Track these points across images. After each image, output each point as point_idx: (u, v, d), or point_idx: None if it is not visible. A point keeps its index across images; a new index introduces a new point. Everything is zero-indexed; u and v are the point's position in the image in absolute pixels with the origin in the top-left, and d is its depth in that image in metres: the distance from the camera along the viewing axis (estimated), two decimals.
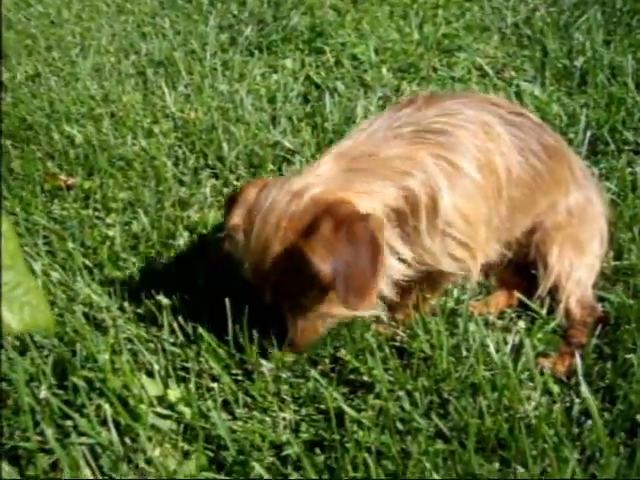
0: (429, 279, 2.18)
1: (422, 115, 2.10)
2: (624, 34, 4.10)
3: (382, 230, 1.90)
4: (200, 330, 2.06)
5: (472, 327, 2.11)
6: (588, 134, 3.05)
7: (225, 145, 3.02)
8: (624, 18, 4.34)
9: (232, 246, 2.01)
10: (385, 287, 2.01)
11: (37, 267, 2.39)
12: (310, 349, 2.08)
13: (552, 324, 2.21)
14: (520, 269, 2.40)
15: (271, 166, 2.91)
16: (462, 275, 2.21)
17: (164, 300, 2.14)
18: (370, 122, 2.15)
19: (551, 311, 2.27)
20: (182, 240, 2.53)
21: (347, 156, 2.01)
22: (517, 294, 2.31)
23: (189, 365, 2.04)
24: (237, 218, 1.98)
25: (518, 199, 2.20)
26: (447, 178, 2.00)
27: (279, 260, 1.87)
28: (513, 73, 3.78)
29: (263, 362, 2.03)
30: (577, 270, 2.31)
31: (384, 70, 3.75)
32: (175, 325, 2.11)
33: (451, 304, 2.22)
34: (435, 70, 3.83)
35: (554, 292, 2.30)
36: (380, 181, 1.95)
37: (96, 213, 2.75)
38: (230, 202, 2.06)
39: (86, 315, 2.23)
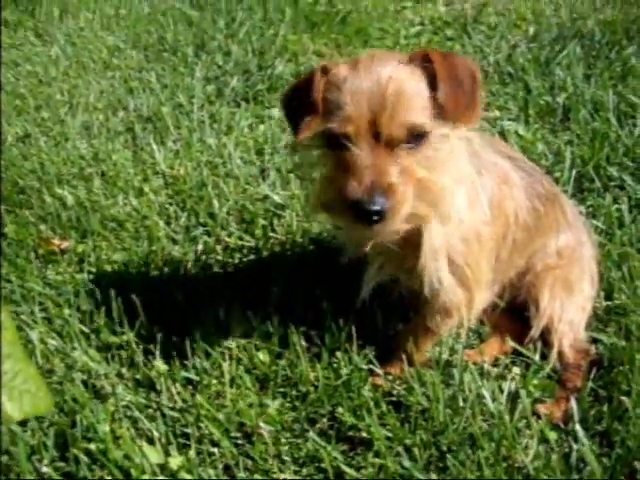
0: (423, 328, 2.21)
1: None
2: (604, 67, 4.16)
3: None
4: (198, 396, 2.08)
5: (467, 377, 2.13)
6: (573, 172, 3.09)
7: (215, 202, 3.04)
8: (603, 51, 4.40)
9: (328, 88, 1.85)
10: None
11: (34, 335, 2.41)
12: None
13: (547, 369, 2.23)
14: (513, 313, 2.43)
15: (262, 221, 2.94)
16: (454, 318, 2.23)
17: (161, 366, 2.16)
18: None
19: (545, 355, 2.29)
20: (177, 301, 2.55)
21: None
22: (511, 342, 2.33)
23: (189, 431, 2.05)
24: (329, 64, 1.89)
25: (519, 241, 2.25)
26: (468, 195, 2.02)
27: (402, 76, 1.80)
28: (497, 112, 3.82)
29: (262, 424, 2.04)
30: (568, 311, 2.34)
31: None
32: (173, 390, 2.13)
33: (445, 355, 2.23)
34: None
35: (547, 334, 2.33)
36: None
37: (90, 276, 2.77)
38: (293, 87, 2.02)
39: (85, 383, 2.26)
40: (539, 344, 2.31)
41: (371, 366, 2.21)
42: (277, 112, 3.94)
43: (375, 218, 1.73)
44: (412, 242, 1.98)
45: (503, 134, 3.52)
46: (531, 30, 4.94)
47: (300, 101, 1.89)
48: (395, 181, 1.75)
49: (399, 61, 1.82)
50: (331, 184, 1.83)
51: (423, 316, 2.21)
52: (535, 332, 2.33)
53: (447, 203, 1.88)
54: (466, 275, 2.10)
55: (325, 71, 1.86)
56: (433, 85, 1.78)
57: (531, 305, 2.37)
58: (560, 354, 2.29)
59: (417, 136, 1.78)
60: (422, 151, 1.79)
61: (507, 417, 1.99)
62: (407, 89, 1.78)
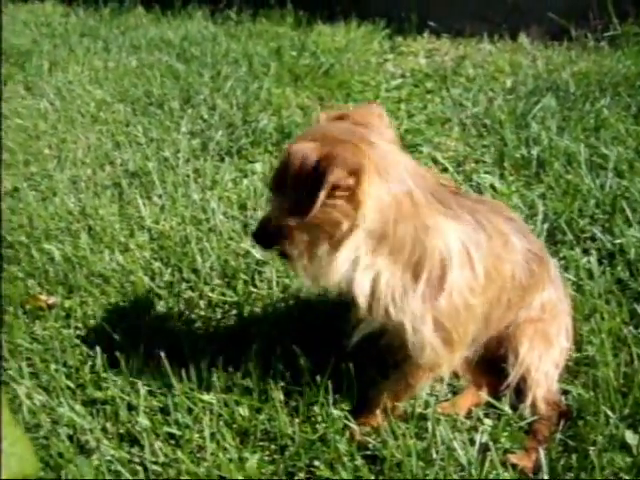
0: (403, 383, 2.30)
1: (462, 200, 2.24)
2: (577, 119, 4.28)
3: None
4: (179, 453, 2.15)
5: (440, 430, 2.21)
6: (546, 225, 3.19)
7: (199, 257, 3.13)
8: (577, 103, 4.53)
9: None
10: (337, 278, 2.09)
11: (21, 391, 2.48)
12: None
13: (519, 422, 2.30)
14: (488, 365, 2.51)
15: (244, 276, 3.02)
16: (434, 373, 2.32)
17: (144, 422, 2.23)
18: None
19: (516, 407, 2.37)
20: (162, 355, 2.62)
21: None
22: (484, 395, 2.41)
23: None
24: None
25: (513, 300, 2.36)
26: (461, 266, 2.13)
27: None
28: (473, 165, 3.94)
29: (240, 478, 2.11)
30: (545, 363, 2.43)
31: None
32: (156, 445, 2.20)
33: (420, 409, 2.31)
34: None
35: (522, 383, 2.41)
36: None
37: (77, 332, 2.84)
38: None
39: (70, 437, 2.32)
40: (512, 396, 2.39)
41: (346, 422, 2.28)
42: (260, 166, 4.05)
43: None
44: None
45: (479, 187, 3.63)
46: (508, 82, 5.07)
47: None
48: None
49: None
50: None
51: (403, 371, 2.30)
52: (513, 380, 2.41)
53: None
54: (452, 338, 2.20)
55: None
56: None
57: (510, 354, 2.45)
58: (533, 404, 2.37)
59: None
60: None
61: (478, 469, 2.07)
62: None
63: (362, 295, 2.07)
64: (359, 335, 2.26)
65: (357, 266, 2.04)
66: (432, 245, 2.07)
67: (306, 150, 1.93)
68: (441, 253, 2.09)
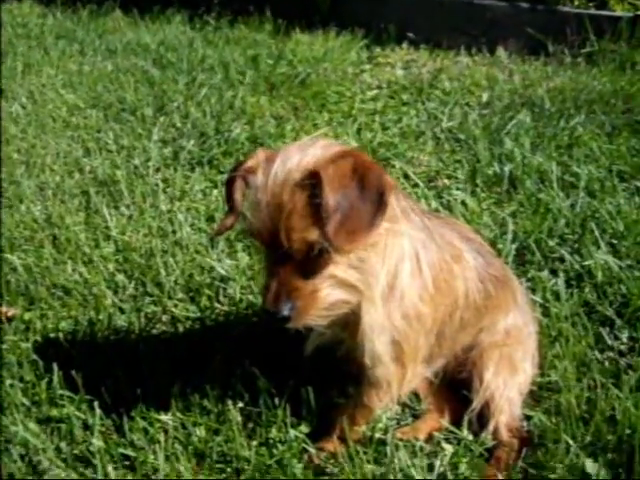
0: (359, 404, 2.27)
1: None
2: (551, 137, 4.28)
3: (392, 191, 1.95)
4: (130, 476, 2.11)
5: (399, 455, 2.18)
6: (515, 245, 3.17)
7: (163, 271, 3.09)
8: (552, 119, 4.53)
9: (246, 190, 2.02)
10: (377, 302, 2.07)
11: None
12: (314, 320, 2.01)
13: (479, 449, 2.28)
14: (450, 389, 2.48)
15: (208, 291, 2.98)
16: (388, 394, 2.29)
17: (98, 443, 2.18)
18: None
19: (476, 433, 2.34)
20: (120, 372, 2.58)
21: None
22: (444, 422, 2.38)
23: None
24: (253, 161, 2.00)
25: (467, 320, 2.34)
26: (412, 273, 2.12)
27: (296, 190, 1.88)
28: (446, 181, 3.92)
29: None
30: (510, 389, 2.40)
31: None
32: (109, 468, 2.16)
33: (379, 434, 2.27)
34: None
35: (485, 408, 2.38)
36: None
37: (35, 345, 2.78)
38: (235, 168, 2.09)
39: (22, 457, 2.27)
40: (474, 421, 2.36)
41: (304, 445, 2.24)
42: None
43: (284, 321, 1.92)
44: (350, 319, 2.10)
45: (449, 205, 3.60)
46: (484, 97, 5.06)
47: (227, 194, 2.05)
48: (300, 286, 1.89)
49: (305, 168, 1.90)
50: (262, 276, 1.94)
51: (359, 392, 2.27)
52: (477, 405, 2.38)
53: (372, 289, 2.00)
54: (402, 350, 2.18)
55: (249, 170, 1.99)
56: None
57: (475, 378, 2.43)
58: (495, 431, 2.35)
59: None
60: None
61: None
62: (303, 205, 1.87)
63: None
64: (313, 344, 2.25)
65: None
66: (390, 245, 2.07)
67: (336, 172, 1.87)
68: (395, 256, 2.09)
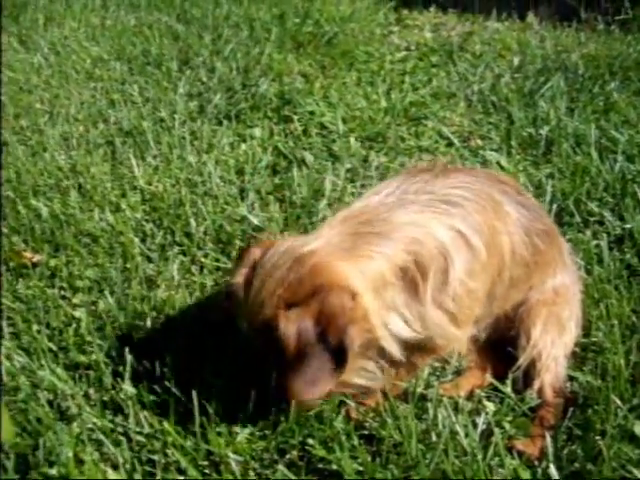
0: (406, 362, 2.18)
1: (437, 185, 2.14)
2: (587, 101, 4.18)
3: (359, 327, 1.91)
4: (165, 423, 2.04)
5: (441, 412, 2.10)
6: (554, 206, 3.08)
7: (193, 221, 3.01)
8: (586, 85, 4.42)
9: (233, 303, 2.06)
10: (392, 346, 2.03)
11: (2, 355, 2.36)
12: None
13: (523, 408, 2.20)
14: (494, 347, 2.41)
15: (239, 243, 2.90)
16: (446, 353, 2.23)
17: (130, 389, 2.11)
18: (384, 185, 2.19)
19: (518, 392, 2.27)
20: (149, 321, 2.51)
21: (356, 219, 2.05)
22: (489, 377, 2.31)
23: (155, 458, 2.00)
24: (240, 277, 2.03)
25: (517, 277, 2.26)
26: (457, 250, 2.04)
27: (266, 325, 1.89)
28: (479, 142, 3.82)
29: (230, 454, 2.00)
30: (557, 348, 2.33)
31: (352, 140, 3.77)
32: (141, 415, 2.09)
33: (420, 389, 2.20)
34: (403, 139, 3.85)
35: (531, 367, 2.31)
36: (391, 242, 1.98)
37: (62, 292, 2.71)
38: (239, 258, 2.13)
39: (50, 403, 2.20)
40: (518, 380, 2.29)
41: (344, 399, 2.17)
42: (259, 131, 3.92)
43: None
44: None
45: (485, 164, 3.51)
46: (516, 61, 4.94)
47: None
48: None
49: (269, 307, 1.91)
50: None
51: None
52: (523, 362, 2.31)
53: None
54: (457, 318, 2.11)
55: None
56: None
57: (522, 335, 2.35)
58: (540, 390, 2.27)
59: None
60: None
61: (480, 454, 1.96)
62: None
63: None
64: None
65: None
66: (428, 249, 2.01)
67: (296, 321, 1.86)
68: (438, 249, 2.02)
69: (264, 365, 1.99)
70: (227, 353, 2.29)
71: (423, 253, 1.99)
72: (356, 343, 1.90)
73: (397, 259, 1.98)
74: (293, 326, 1.85)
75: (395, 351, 2.04)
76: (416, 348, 2.12)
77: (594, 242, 2.88)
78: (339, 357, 1.87)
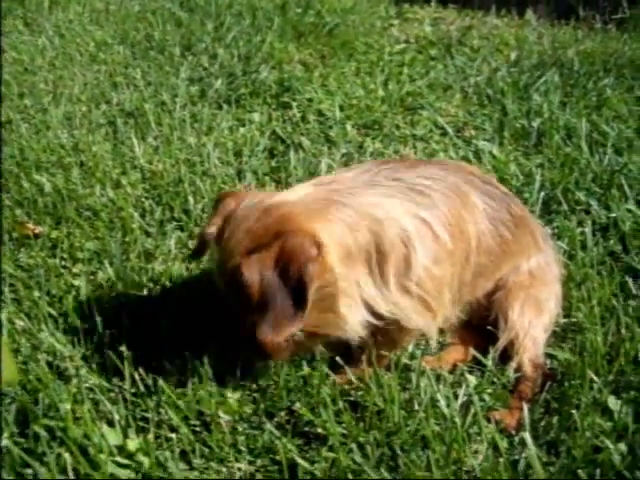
0: (387, 336, 2.27)
1: (407, 173, 2.21)
2: (580, 96, 4.26)
3: (321, 277, 1.95)
4: (160, 382, 2.13)
5: (424, 382, 2.19)
6: (542, 194, 3.16)
7: (191, 198, 3.09)
8: (580, 80, 4.51)
9: (206, 251, 2.19)
10: (357, 326, 2.10)
11: (2, 315, 2.44)
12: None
13: (502, 380, 2.29)
14: (476, 328, 2.49)
15: None
16: (420, 333, 2.31)
17: (126, 352, 2.19)
18: (356, 166, 2.28)
19: (499, 368, 2.36)
20: (146, 292, 2.60)
21: (327, 187, 2.12)
22: (472, 350, 2.39)
23: (149, 415, 2.09)
24: (212, 227, 2.10)
25: (484, 265, 2.35)
26: (421, 238, 2.11)
27: (232, 275, 1.94)
28: (473, 132, 3.91)
29: (221, 414, 2.09)
30: (535, 329, 2.41)
31: (348, 126, 3.86)
32: (136, 376, 2.17)
33: (405, 360, 2.29)
34: (398, 127, 3.94)
35: (509, 347, 2.39)
36: (356, 218, 2.04)
37: (62, 262, 2.80)
38: (214, 208, 2.19)
39: (49, 364, 2.28)
40: (497, 358, 2.37)
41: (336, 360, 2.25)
42: (258, 116, 4.00)
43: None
44: None
45: (477, 153, 3.60)
46: (513, 55, 5.03)
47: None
48: None
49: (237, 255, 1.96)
50: None
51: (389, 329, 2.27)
52: (501, 343, 2.39)
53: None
54: (427, 302, 2.19)
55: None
56: None
57: (500, 318, 2.43)
58: (519, 366, 2.35)
59: None
60: None
61: (459, 421, 2.05)
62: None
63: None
64: None
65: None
66: (390, 234, 2.07)
67: (257, 265, 1.90)
68: (400, 236, 2.09)
69: (235, 317, 2.04)
70: (220, 319, 2.37)
71: (383, 237, 2.06)
72: (315, 283, 1.91)
73: (360, 237, 2.04)
74: (255, 270, 1.88)
75: (360, 331, 2.13)
76: (388, 326, 2.20)
77: (579, 229, 2.97)
78: (299, 297, 1.89)
